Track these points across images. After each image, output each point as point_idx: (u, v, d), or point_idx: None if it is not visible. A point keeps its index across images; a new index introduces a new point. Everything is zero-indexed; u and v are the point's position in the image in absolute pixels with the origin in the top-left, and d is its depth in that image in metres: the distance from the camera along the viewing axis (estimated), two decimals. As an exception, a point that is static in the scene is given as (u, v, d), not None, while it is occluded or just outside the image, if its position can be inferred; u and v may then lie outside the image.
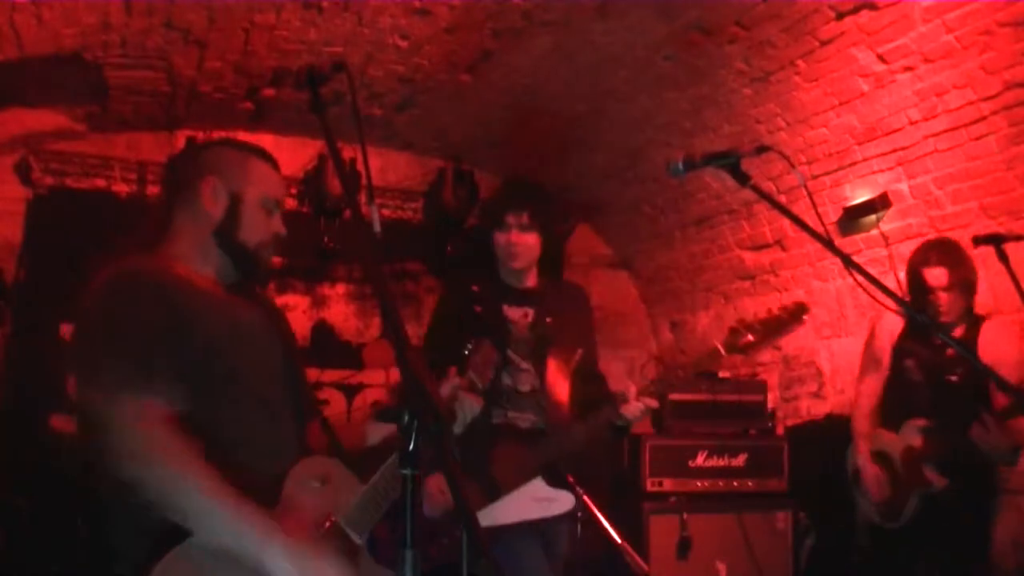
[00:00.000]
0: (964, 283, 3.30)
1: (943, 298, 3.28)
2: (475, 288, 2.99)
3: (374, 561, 1.85)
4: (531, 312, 2.95)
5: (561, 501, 2.72)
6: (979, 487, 3.32)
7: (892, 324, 3.52)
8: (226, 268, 1.90)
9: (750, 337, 2.62)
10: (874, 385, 3.58)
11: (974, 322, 3.33)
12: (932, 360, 3.35)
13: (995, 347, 3.19)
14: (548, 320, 2.92)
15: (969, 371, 3.23)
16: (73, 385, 5.07)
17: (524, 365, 2.90)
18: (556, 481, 2.74)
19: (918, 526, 3.28)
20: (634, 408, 2.71)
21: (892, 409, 3.48)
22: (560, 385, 2.87)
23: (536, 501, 2.72)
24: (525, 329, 2.93)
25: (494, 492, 2.76)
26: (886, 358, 3.53)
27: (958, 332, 3.32)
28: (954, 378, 3.27)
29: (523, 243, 2.91)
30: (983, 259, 3.69)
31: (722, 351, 2.67)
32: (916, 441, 3.29)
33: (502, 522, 2.73)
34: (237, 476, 1.60)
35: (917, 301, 3.34)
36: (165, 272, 1.80)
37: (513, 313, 2.95)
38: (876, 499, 3.40)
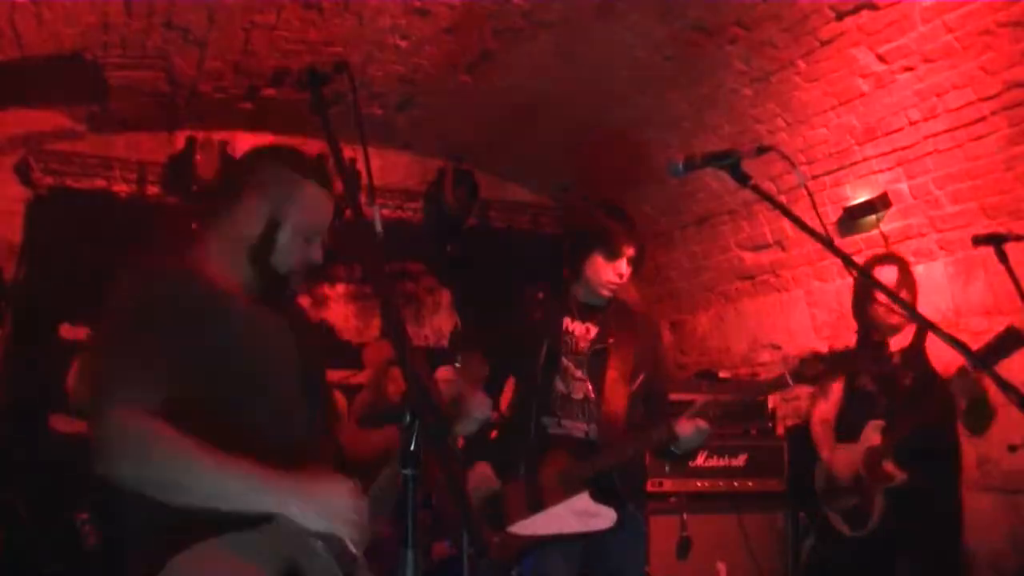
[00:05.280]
0: (910, 290, 3.46)
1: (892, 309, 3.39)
2: (540, 296, 3.01)
3: (368, 570, 1.85)
4: (594, 329, 2.96)
5: (603, 517, 2.73)
6: (940, 478, 3.40)
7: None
8: (253, 281, 1.88)
9: (820, 368, 2.62)
10: (826, 405, 3.72)
11: (921, 330, 3.43)
12: (884, 370, 3.47)
13: (943, 351, 3.28)
14: (610, 340, 2.93)
15: (919, 373, 3.36)
16: (71, 384, 5.01)
17: (578, 374, 2.90)
18: (601, 497, 2.74)
19: (888, 528, 3.32)
20: (687, 428, 2.72)
21: (851, 423, 3.55)
22: (616, 402, 2.87)
23: (576, 515, 2.73)
24: (585, 343, 2.94)
25: (538, 503, 2.77)
26: (838, 384, 3.68)
27: (906, 336, 3.46)
28: (907, 382, 3.39)
29: (626, 275, 2.93)
30: (983, 259, 3.69)
31: (789, 380, 2.67)
32: (875, 440, 3.38)
33: (540, 533, 2.74)
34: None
35: (863, 305, 3.51)
36: (191, 273, 1.79)
37: (575, 327, 2.96)
38: (838, 502, 3.48)
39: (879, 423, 3.37)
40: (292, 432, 1.81)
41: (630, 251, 2.90)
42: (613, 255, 2.89)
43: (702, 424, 2.73)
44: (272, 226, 1.84)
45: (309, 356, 1.95)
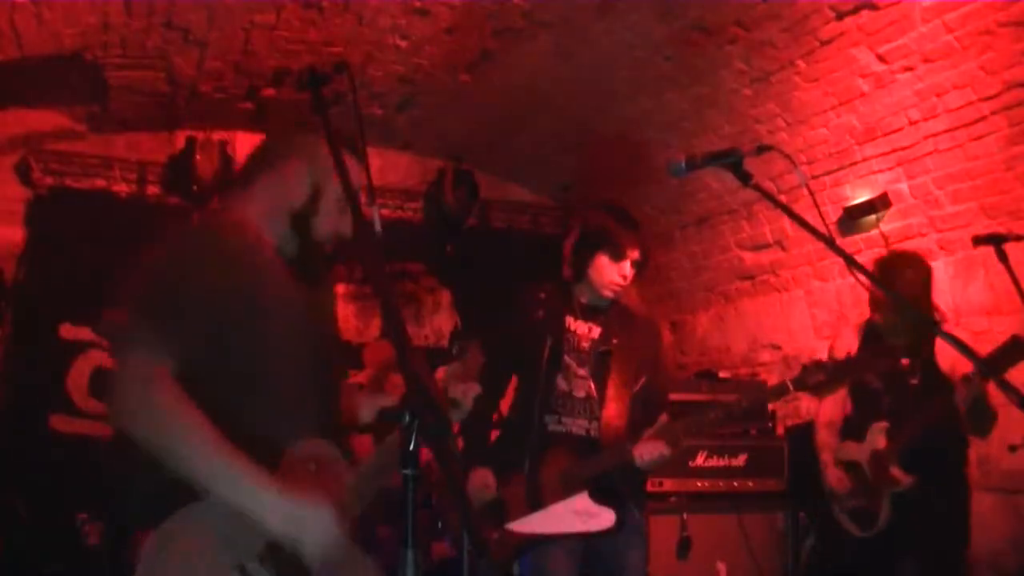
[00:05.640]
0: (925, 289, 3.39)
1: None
2: (542, 296, 3.02)
3: (357, 549, 1.87)
4: (597, 329, 2.97)
5: (602, 517, 2.73)
6: (947, 482, 3.35)
7: (848, 341, 3.57)
8: (289, 244, 1.94)
9: (821, 376, 2.62)
10: (832, 406, 3.64)
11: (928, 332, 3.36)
12: (890, 368, 3.39)
13: (951, 350, 3.14)
14: (614, 342, 2.94)
15: (925, 372, 3.30)
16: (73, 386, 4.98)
17: (580, 372, 2.91)
18: (601, 497, 2.75)
19: (895, 530, 3.29)
20: (644, 452, 2.71)
21: (856, 420, 3.51)
22: (618, 403, 2.88)
23: (576, 514, 2.73)
24: (587, 342, 2.95)
25: (538, 501, 2.78)
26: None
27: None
28: (914, 381, 3.34)
29: (630, 277, 2.93)
30: (983, 259, 3.69)
31: (790, 387, 2.66)
32: (880, 443, 3.33)
33: (539, 532, 2.74)
34: (240, 438, 1.65)
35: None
36: (235, 230, 1.86)
37: (577, 326, 2.97)
38: (845, 503, 3.43)
39: (883, 425, 3.32)
40: (299, 397, 1.85)
41: (635, 253, 2.91)
42: (618, 256, 2.90)
43: (662, 449, 2.71)
44: (316, 192, 1.91)
45: (325, 329, 2.01)
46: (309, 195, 1.91)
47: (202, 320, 1.71)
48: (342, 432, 2.00)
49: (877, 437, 3.34)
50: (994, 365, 2.87)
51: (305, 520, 1.63)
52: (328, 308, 2.09)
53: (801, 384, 2.66)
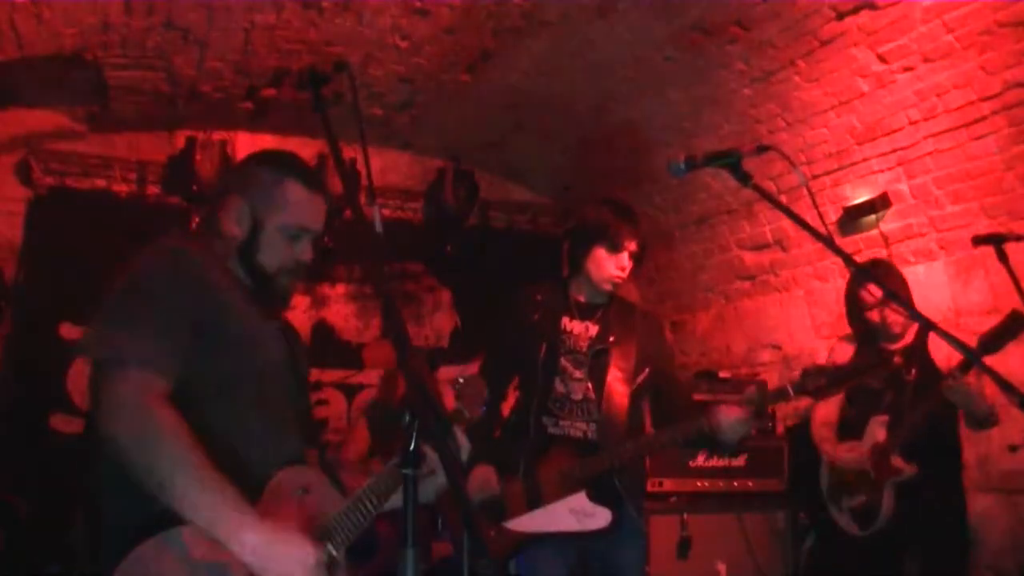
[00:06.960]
0: (899, 295, 3.39)
1: (887, 312, 3.36)
2: (538, 297, 3.01)
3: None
4: (595, 328, 2.96)
5: (598, 517, 2.74)
6: (947, 474, 3.36)
7: (844, 350, 3.58)
8: (246, 280, 1.92)
9: (822, 381, 2.62)
10: (827, 407, 3.65)
11: (923, 329, 3.35)
12: (888, 370, 3.40)
13: (945, 347, 3.17)
14: (611, 339, 2.92)
15: (921, 367, 3.33)
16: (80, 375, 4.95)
17: (578, 375, 2.90)
18: (598, 497, 2.75)
19: (897, 525, 3.30)
20: (733, 418, 2.69)
21: (856, 419, 3.51)
22: (618, 402, 2.87)
23: (573, 513, 2.74)
24: (584, 342, 2.94)
25: (535, 500, 2.78)
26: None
27: (908, 340, 3.42)
28: (911, 378, 3.36)
29: (628, 269, 2.92)
30: (983, 259, 3.69)
31: (790, 392, 2.66)
32: (880, 435, 3.34)
33: (535, 530, 2.75)
34: (226, 464, 1.62)
35: (862, 324, 3.48)
36: (208, 256, 1.85)
37: (574, 326, 2.96)
38: (845, 502, 3.42)
39: (883, 418, 3.34)
40: (277, 435, 1.83)
41: (632, 245, 2.90)
42: (615, 248, 2.88)
43: (741, 414, 2.67)
44: (256, 226, 1.88)
45: (298, 359, 1.99)
46: (249, 230, 1.88)
47: (189, 338, 1.69)
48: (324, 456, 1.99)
49: (877, 430, 3.36)
50: (992, 343, 2.89)
51: (281, 560, 1.58)
52: (294, 338, 2.05)
53: (801, 389, 2.66)
